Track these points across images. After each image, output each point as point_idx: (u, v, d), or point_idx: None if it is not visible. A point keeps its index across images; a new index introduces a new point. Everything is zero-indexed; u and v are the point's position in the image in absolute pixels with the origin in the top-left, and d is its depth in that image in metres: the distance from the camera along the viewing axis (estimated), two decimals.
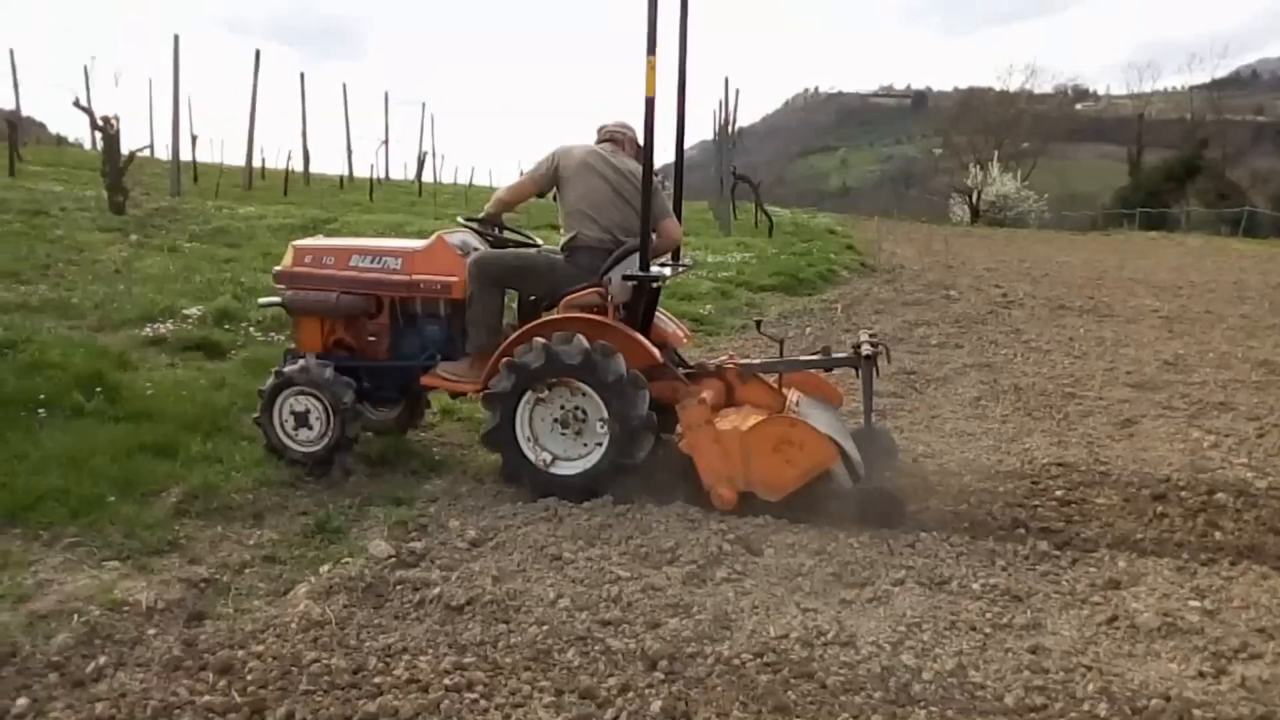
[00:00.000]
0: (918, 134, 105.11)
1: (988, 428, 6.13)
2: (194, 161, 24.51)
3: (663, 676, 2.95)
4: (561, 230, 4.82)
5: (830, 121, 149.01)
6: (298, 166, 25.77)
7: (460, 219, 5.19)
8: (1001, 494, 4.70)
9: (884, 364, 5.04)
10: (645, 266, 4.50)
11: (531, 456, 4.47)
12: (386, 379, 5.05)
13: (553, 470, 4.46)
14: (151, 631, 3.16)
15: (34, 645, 3.00)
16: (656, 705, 2.79)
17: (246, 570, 3.71)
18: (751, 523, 4.15)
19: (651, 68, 4.31)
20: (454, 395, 5.06)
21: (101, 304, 7.33)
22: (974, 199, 48.15)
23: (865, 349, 4.74)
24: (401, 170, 36.37)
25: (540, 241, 5.25)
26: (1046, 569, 3.84)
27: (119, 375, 5.56)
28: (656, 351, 4.57)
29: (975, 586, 3.62)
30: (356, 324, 5.05)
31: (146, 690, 2.81)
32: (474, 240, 5.03)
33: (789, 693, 2.87)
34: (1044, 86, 63.81)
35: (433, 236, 4.98)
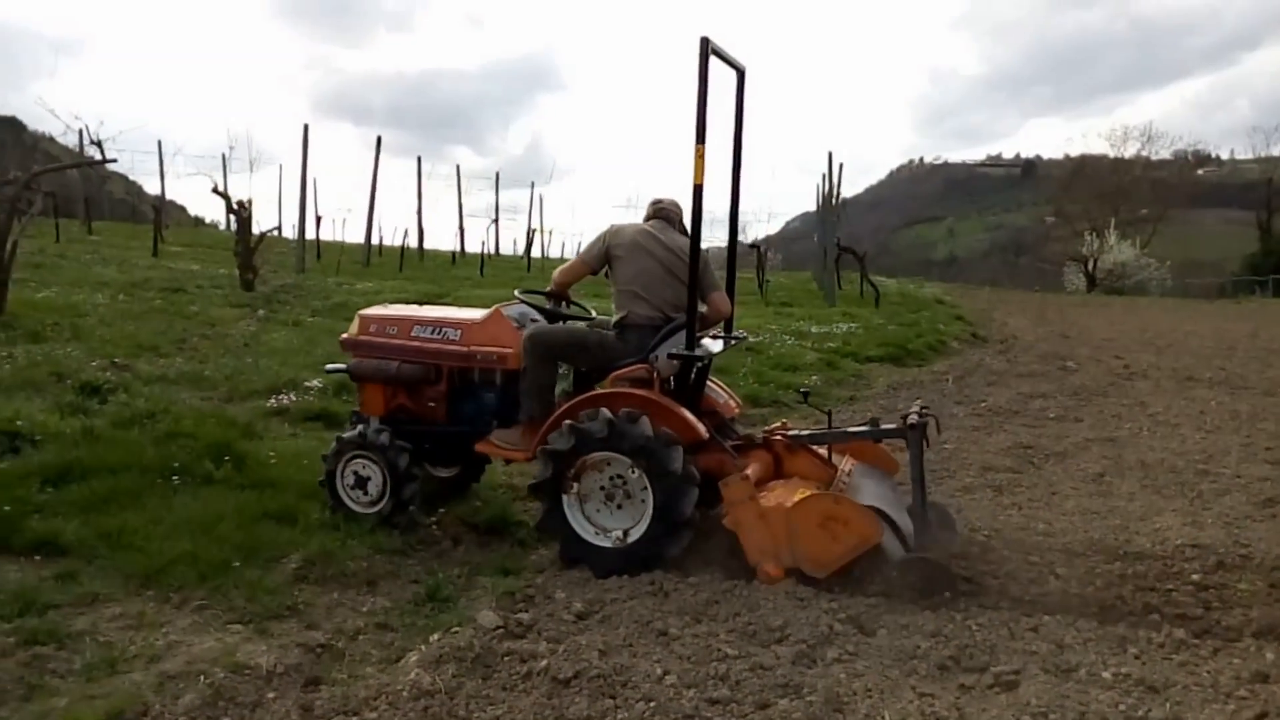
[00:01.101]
0: (1027, 202, 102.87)
1: (1113, 505, 5.82)
2: (318, 240, 25.83)
3: None
4: (614, 308, 4.91)
5: (936, 191, 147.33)
6: (413, 243, 26.90)
7: (518, 293, 5.34)
8: (1131, 576, 4.43)
9: (937, 434, 4.87)
10: (691, 345, 4.57)
11: (590, 537, 4.52)
12: (444, 444, 5.23)
13: (589, 537, 4.50)
14: (271, 695, 3.25)
15: (163, 705, 3.13)
16: None
17: (360, 636, 3.79)
18: (863, 601, 4.02)
19: (700, 156, 4.42)
20: (507, 461, 5.16)
21: (231, 376, 7.74)
22: (1090, 267, 46.58)
23: (913, 418, 4.61)
24: (511, 246, 37.46)
25: (594, 314, 5.36)
26: (1184, 659, 3.59)
27: (245, 444, 5.83)
28: (701, 427, 4.57)
29: (1106, 675, 3.41)
30: (417, 390, 5.23)
31: None
32: (532, 313, 5.17)
33: None
34: (1162, 152, 61.78)
35: (491, 309, 5.17)
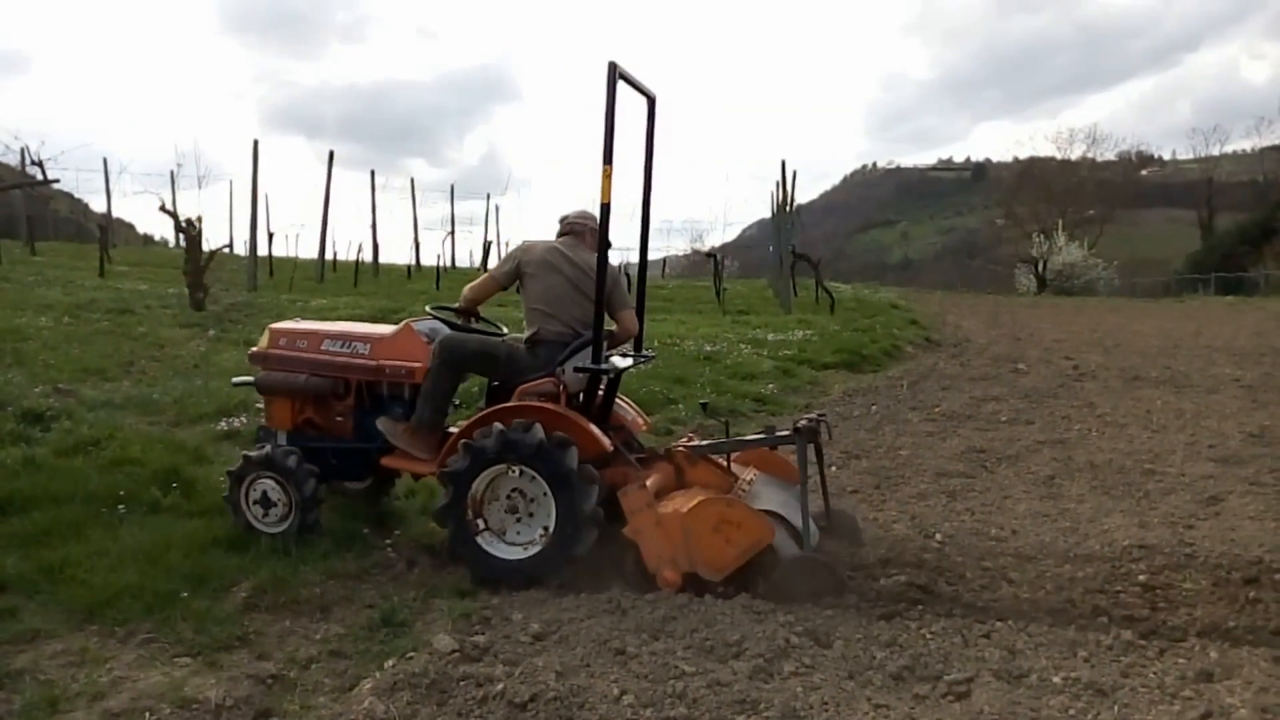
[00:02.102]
0: (979, 205, 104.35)
1: (1064, 508, 5.92)
2: (270, 257, 25.50)
3: None
4: (524, 323, 4.98)
5: (889, 196, 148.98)
6: (368, 258, 26.65)
7: (429, 308, 5.36)
8: (1081, 579, 4.51)
9: (828, 438, 5.02)
10: (597, 360, 4.64)
11: (504, 554, 4.54)
12: (352, 459, 5.22)
13: (497, 553, 4.53)
14: None
15: None
16: None
17: (313, 665, 3.73)
18: (820, 614, 4.05)
19: (607, 176, 4.49)
20: (416, 477, 5.19)
21: (180, 399, 7.59)
22: (1040, 268, 47.39)
23: (802, 423, 4.72)
24: (468, 258, 37.24)
25: (505, 330, 5.42)
26: (1132, 660, 3.65)
27: (194, 470, 5.73)
28: (605, 440, 4.63)
29: (1056, 680, 3.46)
30: (325, 405, 5.25)
31: None
32: (443, 328, 5.20)
33: None
34: (1106, 154, 63.21)
35: (401, 324, 5.21)
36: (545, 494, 4.47)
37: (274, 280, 21.53)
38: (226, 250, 19.27)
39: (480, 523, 4.56)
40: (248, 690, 3.46)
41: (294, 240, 39.11)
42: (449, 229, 32.68)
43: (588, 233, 5.02)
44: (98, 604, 4.03)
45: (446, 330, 5.15)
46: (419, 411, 4.89)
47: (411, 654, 3.75)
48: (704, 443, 5.13)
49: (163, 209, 15.83)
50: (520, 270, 4.91)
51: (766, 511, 4.45)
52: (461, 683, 3.47)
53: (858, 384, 11.27)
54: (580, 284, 4.84)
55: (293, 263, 26.71)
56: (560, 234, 5.11)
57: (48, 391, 7.32)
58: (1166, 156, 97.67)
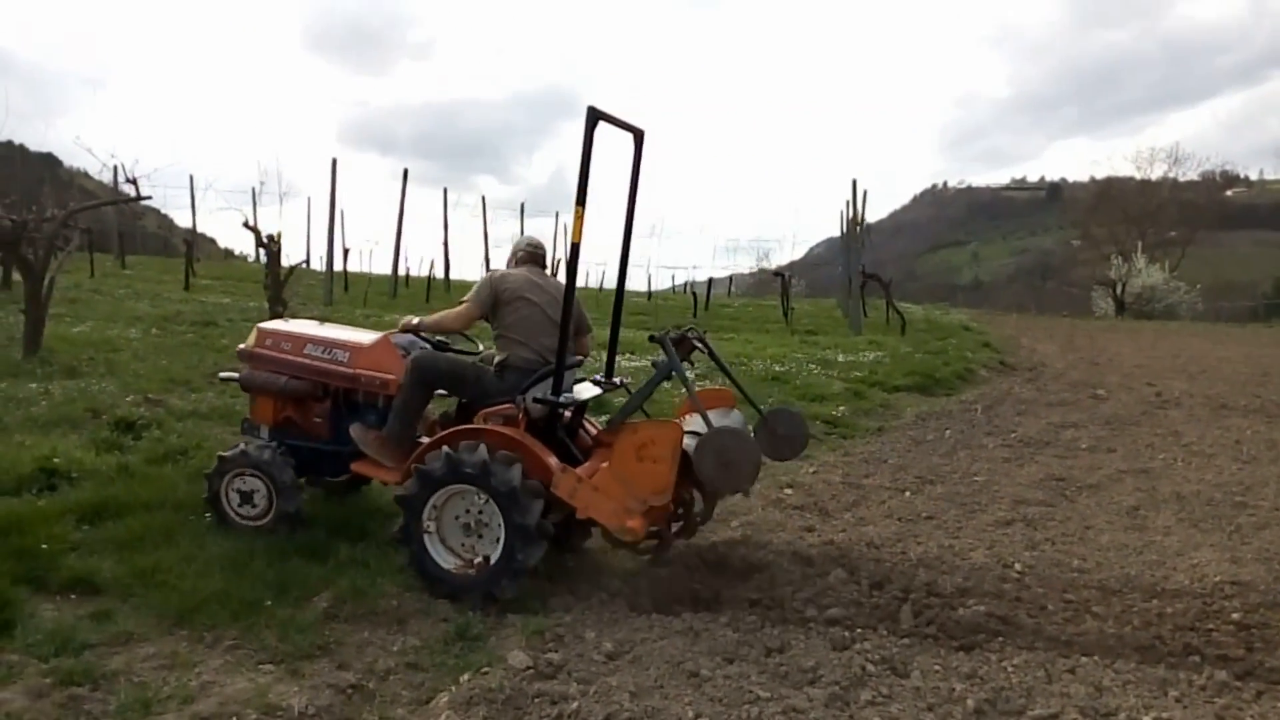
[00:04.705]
0: (1053, 226, 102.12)
1: (1149, 540, 5.73)
2: (345, 271, 26.12)
3: None
4: (496, 348, 5.09)
5: (960, 215, 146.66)
6: (439, 274, 27.13)
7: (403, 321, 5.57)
8: (1170, 615, 4.36)
9: (702, 344, 5.16)
10: (556, 391, 4.76)
11: (440, 558, 4.60)
12: (326, 459, 5.36)
13: (451, 567, 4.57)
14: None
15: None
16: None
17: (390, 676, 3.79)
18: (897, 643, 3.98)
19: (579, 217, 4.57)
20: (385, 483, 5.25)
21: None
22: (1118, 291, 46.11)
23: (672, 334, 4.96)
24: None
25: (480, 348, 5.54)
26: (1227, 702, 3.52)
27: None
28: (554, 462, 4.67)
29: None
30: (305, 406, 5.41)
31: None
32: (420, 342, 5.35)
33: None
34: (1189, 174, 61.29)
35: (380, 336, 5.37)
36: (494, 510, 4.53)
37: (349, 295, 22.06)
38: (304, 265, 19.79)
39: (432, 525, 4.63)
40: (329, 699, 3.53)
41: (369, 256, 39.96)
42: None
43: (542, 257, 5.31)
44: (187, 609, 4.15)
45: (423, 344, 5.34)
46: (390, 424, 5.05)
47: (486, 669, 3.78)
48: (613, 416, 5.12)
49: (245, 225, 16.32)
50: (496, 298, 5.03)
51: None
52: (536, 699, 3.49)
53: (930, 407, 11.07)
54: (551, 312, 5.00)
55: (367, 278, 27.34)
56: (523, 260, 5.29)
57: (138, 401, 7.59)
58: (1254, 176, 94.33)
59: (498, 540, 4.52)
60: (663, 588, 4.63)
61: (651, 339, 5.05)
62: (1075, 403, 11.67)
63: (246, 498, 5.11)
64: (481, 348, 5.58)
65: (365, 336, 5.49)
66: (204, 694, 3.54)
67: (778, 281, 22.56)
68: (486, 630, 4.24)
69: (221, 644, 3.95)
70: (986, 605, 4.37)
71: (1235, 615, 4.37)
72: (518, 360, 4.97)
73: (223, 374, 5.95)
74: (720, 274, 43.37)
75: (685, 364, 5.08)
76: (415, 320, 5.28)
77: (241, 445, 5.23)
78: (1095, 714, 3.40)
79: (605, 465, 4.64)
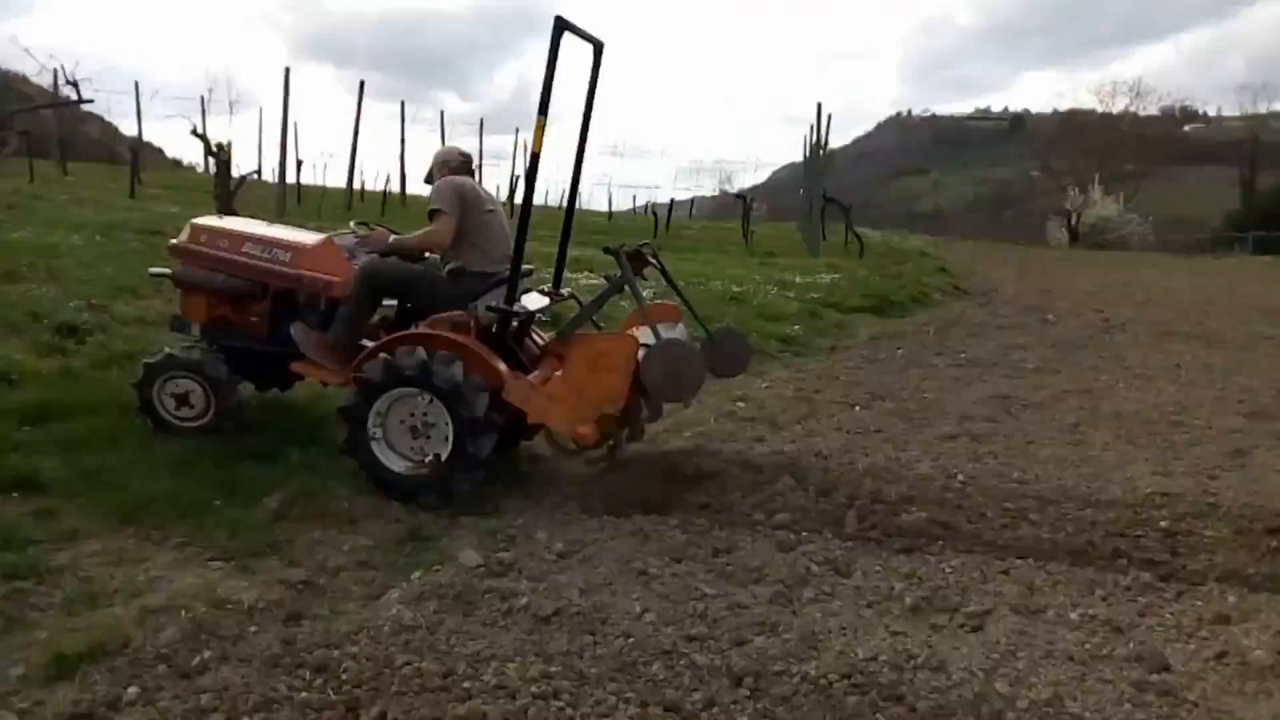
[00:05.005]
0: (1015, 157, 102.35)
1: (1087, 455, 5.91)
2: (298, 184, 25.49)
3: (748, 693, 2.93)
4: (448, 256, 4.99)
5: (924, 144, 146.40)
6: (395, 188, 26.61)
7: (354, 224, 5.48)
8: (1102, 523, 4.52)
9: (654, 259, 5.27)
10: (510, 300, 4.74)
11: (391, 463, 4.61)
12: (263, 360, 5.27)
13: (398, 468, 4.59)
14: (253, 629, 3.28)
15: (144, 638, 3.14)
16: None
17: (342, 574, 3.81)
18: (841, 545, 4.09)
19: (540, 127, 4.51)
20: (324, 384, 5.24)
21: None
22: (1073, 222, 46.65)
23: (627, 248, 5.02)
24: (495, 192, 36.93)
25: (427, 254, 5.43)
26: (1150, 601, 3.69)
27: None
28: (503, 368, 4.69)
29: (1073, 616, 3.50)
30: (241, 305, 5.31)
31: (248, 685, 2.91)
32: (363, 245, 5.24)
33: (877, 715, 2.83)
34: (1150, 108, 61.56)
35: (323, 236, 5.28)
36: (439, 409, 4.52)
37: (302, 208, 21.55)
38: (256, 176, 19.28)
39: (378, 431, 4.61)
40: (279, 594, 3.55)
41: (323, 169, 39.00)
42: (477, 162, 32.40)
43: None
44: (134, 508, 4.12)
45: (364, 248, 5.21)
46: (335, 330, 4.99)
47: (438, 567, 3.83)
48: (564, 326, 5.25)
49: (194, 133, 15.89)
50: (465, 205, 4.92)
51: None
52: (487, 595, 3.55)
53: (884, 328, 11.21)
54: (503, 221, 5.01)
55: (321, 191, 26.71)
56: (455, 171, 5.16)
57: (81, 307, 7.40)
58: (1212, 113, 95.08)
59: (446, 439, 4.52)
60: (615, 492, 4.69)
61: (606, 250, 5.05)
62: (1025, 326, 11.88)
63: (182, 400, 5.03)
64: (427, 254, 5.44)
65: (307, 237, 5.35)
66: (152, 588, 3.54)
67: (739, 204, 22.46)
68: (439, 531, 4.28)
69: (169, 541, 3.94)
70: (929, 512, 4.49)
71: (1163, 523, 4.54)
72: (476, 267, 4.90)
73: (154, 270, 5.74)
74: (682, 196, 43.05)
75: (640, 279, 5.09)
76: (390, 238, 5.15)
77: (166, 349, 5.15)
78: (1026, 610, 3.54)
79: (560, 374, 4.67)
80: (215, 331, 5.27)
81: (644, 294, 5.08)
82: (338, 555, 3.98)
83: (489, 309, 4.79)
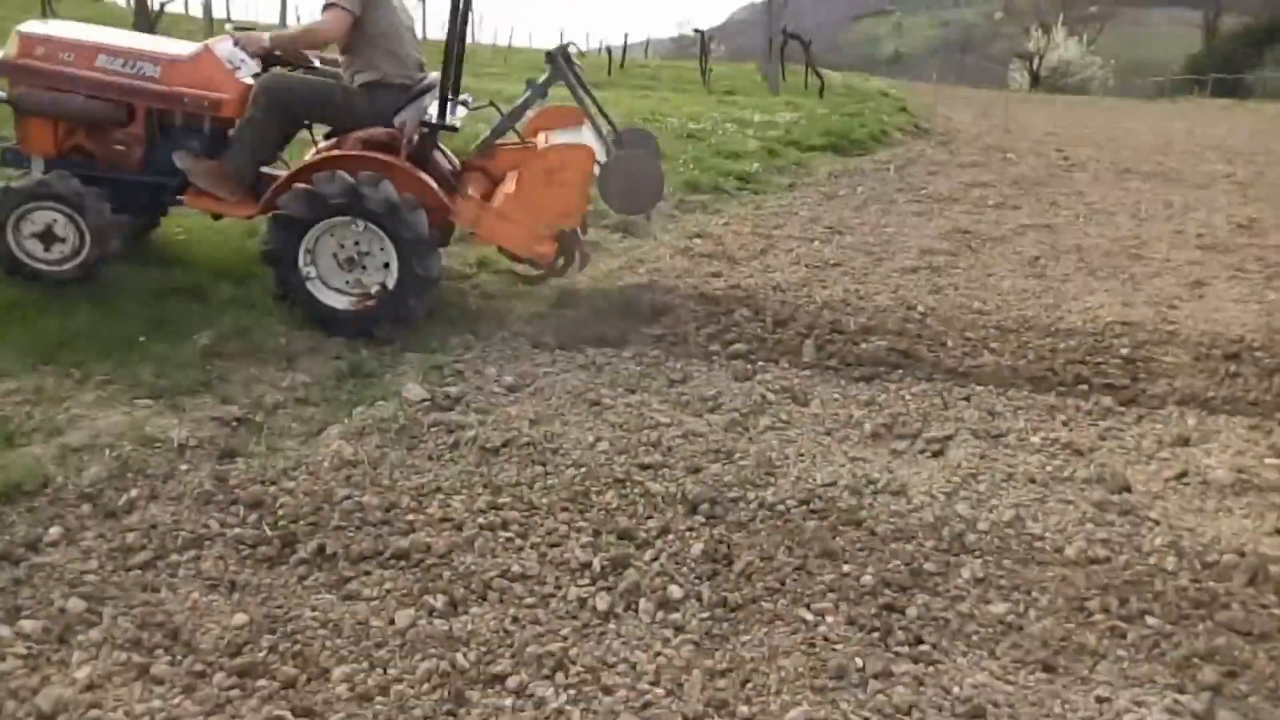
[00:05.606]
0: None
1: (1047, 286, 5.83)
2: (228, 18, 23.91)
3: (704, 520, 2.85)
4: (358, 64, 4.44)
5: None
6: None
7: (229, 27, 4.79)
8: (1062, 350, 4.46)
9: (579, 57, 5.17)
10: (444, 114, 4.41)
11: (331, 301, 4.32)
12: (136, 193, 4.56)
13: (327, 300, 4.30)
14: (183, 467, 3.11)
15: (66, 477, 2.97)
16: (697, 548, 2.69)
17: (279, 411, 3.62)
18: (799, 374, 3.98)
19: None
20: (216, 216, 4.79)
21: None
22: (1034, 65, 45.83)
23: (555, 49, 4.81)
24: (438, 32, 35.15)
25: (316, 61, 4.83)
26: (1111, 424, 3.65)
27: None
28: (441, 192, 4.42)
29: (1034, 440, 3.45)
30: (100, 131, 4.51)
31: (178, 522, 2.78)
32: (242, 54, 4.56)
33: (837, 539, 2.76)
34: None
35: (199, 45, 4.56)
36: (373, 235, 4.20)
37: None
38: (178, 7, 17.98)
39: (311, 270, 4.28)
40: (212, 431, 3.37)
41: (253, 4, 36.66)
42: None
43: None
44: (52, 345, 3.84)
45: (245, 57, 4.54)
46: (234, 158, 4.39)
47: (381, 402, 3.66)
48: (483, 138, 4.91)
49: None
50: (365, 4, 4.31)
51: None
52: (432, 429, 3.41)
53: (844, 166, 10.91)
54: (411, 25, 4.54)
55: (251, 27, 25.12)
56: None
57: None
58: None
59: (386, 265, 4.24)
60: (567, 328, 4.52)
61: (548, 55, 4.79)
62: (986, 164, 11.67)
63: (48, 237, 4.24)
64: (318, 62, 4.85)
65: (179, 47, 4.60)
66: (73, 426, 3.32)
67: (696, 48, 21.53)
68: (381, 367, 4.09)
69: (92, 380, 3.69)
70: (888, 341, 4.39)
71: (1124, 350, 4.49)
72: (391, 77, 4.39)
73: None
74: (636, 38, 41.39)
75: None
76: (267, 37, 4.52)
77: (35, 173, 4.30)
78: (987, 435, 3.49)
79: (511, 191, 4.38)
80: (68, 165, 4.39)
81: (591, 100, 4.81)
82: (274, 392, 3.78)
83: (425, 124, 4.40)
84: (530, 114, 5.09)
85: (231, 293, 4.58)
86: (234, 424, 3.47)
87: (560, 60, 4.66)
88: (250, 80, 4.45)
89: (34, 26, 4.55)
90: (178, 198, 4.53)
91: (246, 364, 4.01)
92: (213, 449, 3.25)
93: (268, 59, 4.61)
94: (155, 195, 4.62)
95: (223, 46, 4.52)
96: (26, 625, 2.34)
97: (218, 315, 4.32)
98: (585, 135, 4.85)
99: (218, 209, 4.56)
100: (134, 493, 2.91)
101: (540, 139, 4.89)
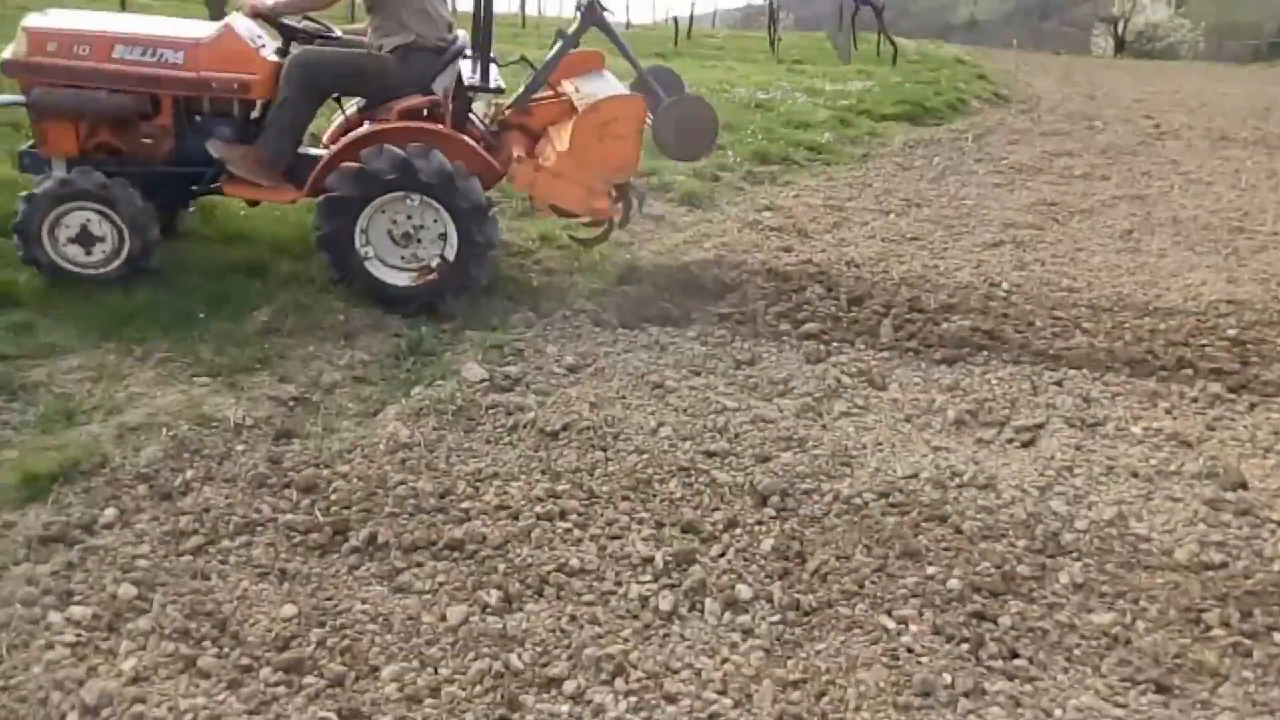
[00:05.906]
0: None
1: (1143, 262, 5.48)
2: None
3: (774, 513, 2.68)
4: (387, 29, 4.24)
5: None
6: None
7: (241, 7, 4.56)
8: (1163, 331, 4.16)
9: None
10: (487, 78, 4.38)
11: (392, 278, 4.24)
12: (169, 186, 4.41)
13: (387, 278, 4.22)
14: (239, 448, 3.05)
15: (124, 457, 2.94)
16: (767, 544, 2.52)
17: (336, 390, 3.55)
18: (875, 356, 3.76)
19: None
20: (253, 203, 4.68)
21: None
22: (1119, 29, 43.95)
23: (581, 2, 4.71)
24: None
25: (338, 32, 4.61)
26: (1220, 413, 3.37)
27: (212, 196, 5.40)
28: (487, 155, 4.33)
29: (1135, 430, 3.19)
30: (126, 125, 4.32)
31: (231, 506, 2.72)
32: (260, 30, 4.36)
33: (919, 537, 2.56)
34: None
35: (219, 25, 4.34)
36: (425, 208, 4.10)
37: None
38: None
39: (369, 250, 4.18)
40: (269, 411, 3.30)
41: None
42: None
43: None
44: (114, 322, 3.84)
45: (261, 33, 4.35)
46: (271, 141, 4.20)
47: (439, 382, 3.56)
48: (518, 94, 4.72)
49: None
50: None
51: None
52: (491, 410, 3.29)
53: (919, 136, 10.50)
54: None
55: None
56: None
57: None
58: None
59: (441, 236, 4.13)
60: (629, 306, 4.37)
61: (578, 5, 4.74)
62: (1070, 133, 11.14)
63: (85, 240, 4.09)
64: (339, 32, 4.63)
65: (198, 29, 4.42)
66: (132, 405, 3.29)
67: (764, 18, 21.05)
68: (441, 345, 3.99)
69: (152, 357, 3.66)
70: (971, 320, 4.15)
71: (1231, 331, 4.18)
72: (426, 40, 4.20)
73: (3, 98, 4.42)
74: (703, 9, 40.79)
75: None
76: (267, 1, 4.26)
77: (59, 175, 4.10)
78: (1082, 424, 3.24)
79: (565, 149, 4.27)
80: (95, 165, 4.17)
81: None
82: (332, 370, 3.70)
83: (469, 88, 4.37)
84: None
85: (291, 269, 4.53)
86: (291, 403, 3.40)
87: (589, 14, 4.59)
88: (275, 58, 4.29)
89: (38, 20, 4.33)
90: (212, 186, 4.39)
91: (305, 341, 3.94)
92: (269, 429, 3.19)
93: (284, 31, 4.38)
94: (187, 186, 4.49)
95: (243, 23, 4.33)
96: (77, 611, 2.29)
97: (277, 292, 4.27)
98: (610, 79, 4.79)
99: (258, 195, 4.42)
100: (189, 474, 2.87)
101: (569, 88, 4.77)
